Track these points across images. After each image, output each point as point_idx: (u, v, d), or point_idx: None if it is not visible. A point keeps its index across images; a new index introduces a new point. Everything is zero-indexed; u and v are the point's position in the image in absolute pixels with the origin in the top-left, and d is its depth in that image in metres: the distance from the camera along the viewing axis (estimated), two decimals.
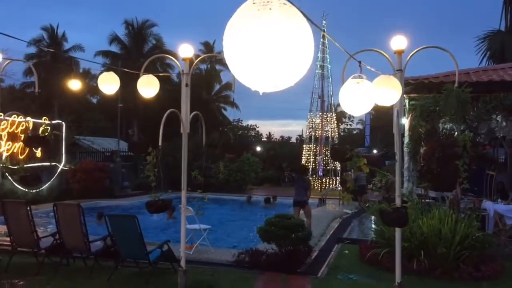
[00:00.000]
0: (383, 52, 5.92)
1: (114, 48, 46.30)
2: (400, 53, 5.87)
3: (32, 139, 9.35)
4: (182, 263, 6.69)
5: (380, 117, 47.37)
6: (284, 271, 7.99)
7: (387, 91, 4.69)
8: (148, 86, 5.68)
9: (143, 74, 6.10)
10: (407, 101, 10.93)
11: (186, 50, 6.53)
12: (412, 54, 5.89)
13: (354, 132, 50.44)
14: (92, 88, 50.69)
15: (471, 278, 7.71)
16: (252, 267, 8.27)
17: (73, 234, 7.60)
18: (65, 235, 7.71)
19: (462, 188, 11.13)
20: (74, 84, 7.68)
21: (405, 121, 10.84)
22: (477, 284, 7.56)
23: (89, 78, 51.38)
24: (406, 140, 11.17)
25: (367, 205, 17.77)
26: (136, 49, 45.78)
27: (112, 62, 44.34)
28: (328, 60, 26.64)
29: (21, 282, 7.36)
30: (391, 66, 5.88)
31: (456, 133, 10.32)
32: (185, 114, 6.66)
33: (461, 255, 7.96)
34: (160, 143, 6.06)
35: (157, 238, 11.27)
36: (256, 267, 8.23)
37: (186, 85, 6.65)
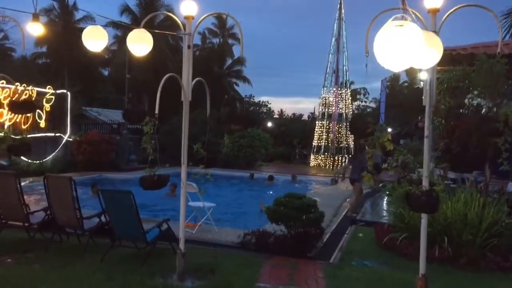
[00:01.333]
0: (414, 11, 5.11)
1: (125, 19, 45.34)
2: (434, 12, 5.05)
3: (16, 104, 8.67)
4: (181, 245, 6.07)
5: (395, 95, 46.25)
6: (293, 255, 7.35)
7: (426, 51, 3.90)
8: (139, 42, 4.92)
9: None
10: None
11: (188, 7, 5.77)
12: (449, 13, 5.06)
13: (367, 110, 49.32)
14: (103, 60, 50.21)
15: (499, 268, 6.99)
16: (259, 249, 7.66)
17: (65, 209, 7.00)
18: (56, 210, 7.11)
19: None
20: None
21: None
22: (505, 275, 6.85)
23: (101, 50, 50.83)
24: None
25: (381, 185, 17.04)
26: (147, 21, 44.55)
27: (123, 34, 43.61)
28: (345, 34, 25.58)
29: (9, 260, 6.80)
30: (424, 26, 5.06)
31: (484, 109, 9.49)
32: (187, 79, 5.93)
33: (488, 243, 7.24)
34: (156, 111, 5.36)
35: (162, 214, 10.78)
36: (263, 249, 7.62)
37: (188, 46, 5.92)
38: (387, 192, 10.21)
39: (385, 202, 14.66)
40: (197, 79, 6.17)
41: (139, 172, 18.40)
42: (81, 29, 45.76)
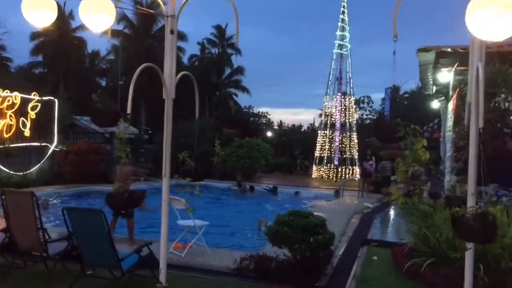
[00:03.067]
0: None
1: (122, 27, 44.47)
2: None
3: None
4: (162, 277, 4.89)
5: (395, 106, 45.17)
6: (298, 285, 6.18)
7: (499, 14, 2.75)
8: (96, 12, 3.72)
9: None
10: (452, 76, 8.94)
11: None
12: None
13: (366, 122, 48.15)
14: (101, 70, 49.31)
15: None
16: (258, 277, 6.48)
17: (26, 231, 5.84)
18: (16, 231, 5.95)
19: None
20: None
21: (448, 103, 8.87)
22: None
23: (98, 59, 50.00)
24: (449, 123, 9.19)
25: (393, 200, 15.88)
26: (145, 30, 43.82)
27: (121, 43, 42.75)
28: (348, 39, 24.49)
29: None
30: None
31: None
32: (170, 72, 4.82)
33: None
34: (128, 110, 4.24)
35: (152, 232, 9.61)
36: (263, 277, 6.45)
37: (171, 32, 4.81)
38: (404, 208, 8.98)
39: (393, 216, 13.51)
40: (182, 73, 5.07)
41: (132, 184, 17.32)
42: (78, 38, 45.06)
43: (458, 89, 8.93)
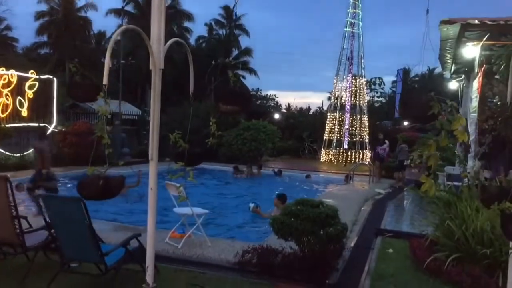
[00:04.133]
0: None
1: (128, 7, 43.62)
2: None
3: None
4: (149, 277, 4.21)
5: (406, 90, 44.09)
6: (307, 282, 5.51)
7: None
8: None
9: None
10: (478, 51, 8.10)
11: None
12: None
13: (376, 105, 47.13)
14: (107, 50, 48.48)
15: None
16: (262, 272, 5.82)
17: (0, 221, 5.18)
18: None
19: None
20: None
21: (474, 82, 8.05)
22: None
23: (105, 40, 49.20)
24: (474, 104, 8.38)
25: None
26: (150, 9, 42.68)
27: (128, 23, 41.89)
28: (360, 16, 23.46)
29: None
30: None
31: None
32: (157, 38, 4.08)
33: None
34: (105, 80, 3.54)
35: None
36: (267, 272, 5.78)
37: None
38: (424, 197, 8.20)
39: (407, 203, 12.80)
40: (173, 40, 4.33)
41: (132, 166, 16.67)
42: (84, 18, 44.30)
43: (484, 66, 8.12)
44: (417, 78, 49.32)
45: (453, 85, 14.32)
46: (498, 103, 7.62)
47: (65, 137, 16.25)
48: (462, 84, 13.67)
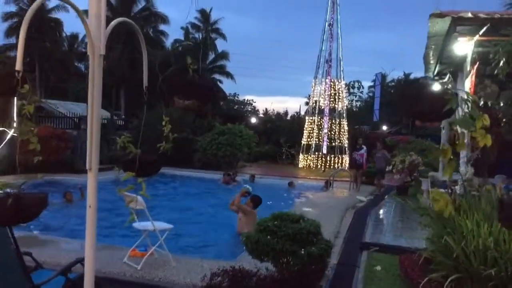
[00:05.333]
0: None
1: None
2: None
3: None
4: None
5: (382, 95, 43.92)
6: None
7: None
8: None
9: None
10: (470, 47, 7.44)
11: None
12: None
13: (355, 109, 46.82)
14: (80, 54, 46.99)
15: None
16: None
17: None
18: None
19: None
20: None
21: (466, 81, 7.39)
22: None
23: (77, 42, 47.72)
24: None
25: (385, 195, 14.44)
26: (124, 10, 41.73)
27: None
28: (339, 18, 22.89)
29: None
30: None
31: None
32: (96, 14, 3.22)
33: None
34: (18, 67, 2.68)
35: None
36: None
37: None
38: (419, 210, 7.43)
39: (390, 212, 12.13)
40: (119, 19, 3.48)
41: (101, 173, 15.62)
42: (55, 20, 42.84)
43: (477, 64, 7.46)
44: (393, 83, 49.29)
45: (436, 87, 13.74)
46: (499, 104, 6.98)
47: (26, 142, 15.07)
48: (445, 86, 13.10)
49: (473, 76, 7.23)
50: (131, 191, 3.87)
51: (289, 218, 5.11)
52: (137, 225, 6.13)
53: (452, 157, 2.77)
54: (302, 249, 4.87)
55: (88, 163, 3.31)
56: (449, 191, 10.26)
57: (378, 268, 6.49)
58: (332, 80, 23.26)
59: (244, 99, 57.19)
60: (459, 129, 8.60)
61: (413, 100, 2.85)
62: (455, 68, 10.00)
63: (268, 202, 12.88)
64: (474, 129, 2.54)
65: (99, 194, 3.48)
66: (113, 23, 3.41)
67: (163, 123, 3.38)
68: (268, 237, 4.90)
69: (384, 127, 30.95)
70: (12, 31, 43.26)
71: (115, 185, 4.67)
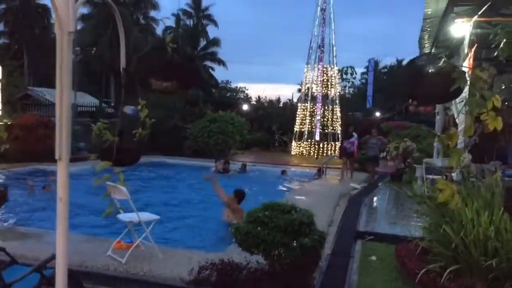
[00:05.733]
0: None
1: None
2: None
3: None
4: None
5: (381, 79, 43.72)
6: None
7: None
8: None
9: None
10: (468, 29, 7.16)
11: None
12: None
13: (348, 96, 46.50)
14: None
15: None
16: None
17: None
18: None
19: None
20: None
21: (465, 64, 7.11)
22: None
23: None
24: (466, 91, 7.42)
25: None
26: None
27: (90, 11, 39.99)
28: (331, 2, 22.47)
29: None
30: None
31: None
32: None
33: None
34: None
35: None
36: None
37: None
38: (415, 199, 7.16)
39: (384, 199, 11.94)
40: None
41: (86, 162, 15.26)
42: (42, 6, 42.02)
43: (475, 46, 7.19)
44: (385, 70, 49.09)
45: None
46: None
47: (11, 130, 14.69)
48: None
49: (471, 59, 6.96)
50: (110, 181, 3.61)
51: (281, 209, 4.85)
52: (122, 216, 5.84)
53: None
54: (295, 241, 4.62)
55: (57, 153, 3.02)
56: (444, 177, 10.08)
57: (373, 258, 6.27)
58: (325, 66, 22.95)
59: (237, 87, 56.77)
60: (455, 113, 8.33)
61: (418, 80, 2.54)
62: (451, 52, 9.73)
63: (261, 191, 12.67)
64: (486, 111, 2.26)
65: (88, 182, 3.21)
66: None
67: (139, 107, 3.08)
68: (259, 228, 4.65)
69: (377, 114, 30.73)
70: (0, 17, 42.56)
71: (92, 175, 4.39)
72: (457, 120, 7.88)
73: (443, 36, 8.95)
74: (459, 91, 2.37)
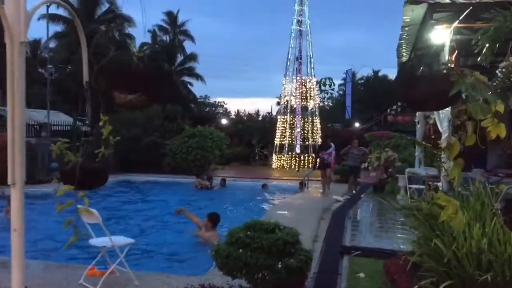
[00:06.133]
0: None
1: (61, 11, 40.85)
2: None
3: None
4: None
5: (359, 90, 43.90)
6: None
7: None
8: None
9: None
10: (448, 35, 7.05)
11: None
12: None
13: (327, 107, 46.63)
14: (42, 59, 45.26)
15: None
16: None
17: None
18: None
19: None
20: None
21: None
22: None
23: (40, 49, 45.99)
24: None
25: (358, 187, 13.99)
26: (87, 13, 40.32)
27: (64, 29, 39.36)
28: (307, 14, 22.48)
29: None
30: None
31: None
32: None
33: None
34: None
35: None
36: None
37: None
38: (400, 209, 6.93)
39: (368, 212, 11.73)
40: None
41: (62, 184, 14.70)
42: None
43: (455, 52, 7.07)
44: (362, 81, 49.43)
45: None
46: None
47: None
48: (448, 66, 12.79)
49: (453, 65, 6.81)
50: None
51: (263, 228, 4.54)
52: (94, 241, 5.46)
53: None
54: (279, 262, 4.31)
55: (10, 177, 2.70)
56: (428, 187, 9.93)
57: (362, 275, 5.99)
58: (303, 78, 22.86)
59: (215, 101, 56.59)
60: (438, 122, 8.14)
61: (411, 84, 2.30)
62: (430, 60, 9.64)
63: (241, 207, 12.33)
64: (490, 116, 2.04)
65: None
66: (37, 4, 2.80)
67: (101, 123, 2.78)
68: (240, 250, 4.33)
69: (357, 124, 30.78)
70: None
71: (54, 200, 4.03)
72: (440, 128, 7.73)
73: (422, 44, 8.85)
74: (458, 96, 2.14)
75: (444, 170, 7.15)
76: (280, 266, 4.31)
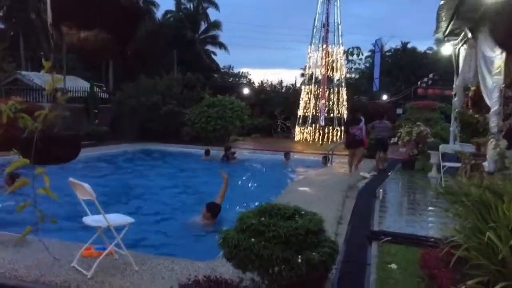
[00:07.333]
0: None
1: None
2: None
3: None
4: None
5: (387, 62, 42.27)
6: None
7: None
8: None
9: None
10: None
11: None
12: None
13: (355, 77, 45.09)
14: None
15: None
16: None
17: None
18: None
19: None
20: None
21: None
22: None
23: None
24: (497, 62, 6.29)
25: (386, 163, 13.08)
26: None
27: None
28: None
29: None
30: None
31: None
32: None
33: None
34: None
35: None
36: None
37: None
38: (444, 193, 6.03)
39: (398, 190, 10.90)
40: None
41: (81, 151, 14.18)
42: None
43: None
44: (390, 53, 47.60)
45: (446, 50, 12.31)
46: None
47: None
48: (457, 48, 11.70)
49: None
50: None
51: (281, 213, 3.80)
52: (88, 220, 4.79)
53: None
54: (299, 256, 3.57)
55: None
56: (464, 166, 8.96)
57: (394, 266, 5.22)
58: (330, 47, 21.72)
59: (239, 72, 55.76)
60: (484, 94, 7.15)
61: None
62: (475, 25, 8.60)
63: (259, 183, 11.62)
64: None
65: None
66: None
67: (42, 71, 1.97)
68: (252, 239, 3.60)
69: (384, 97, 29.53)
70: None
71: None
72: (487, 101, 6.77)
73: (467, 6, 7.82)
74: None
75: (493, 147, 6.21)
76: (299, 260, 3.57)
